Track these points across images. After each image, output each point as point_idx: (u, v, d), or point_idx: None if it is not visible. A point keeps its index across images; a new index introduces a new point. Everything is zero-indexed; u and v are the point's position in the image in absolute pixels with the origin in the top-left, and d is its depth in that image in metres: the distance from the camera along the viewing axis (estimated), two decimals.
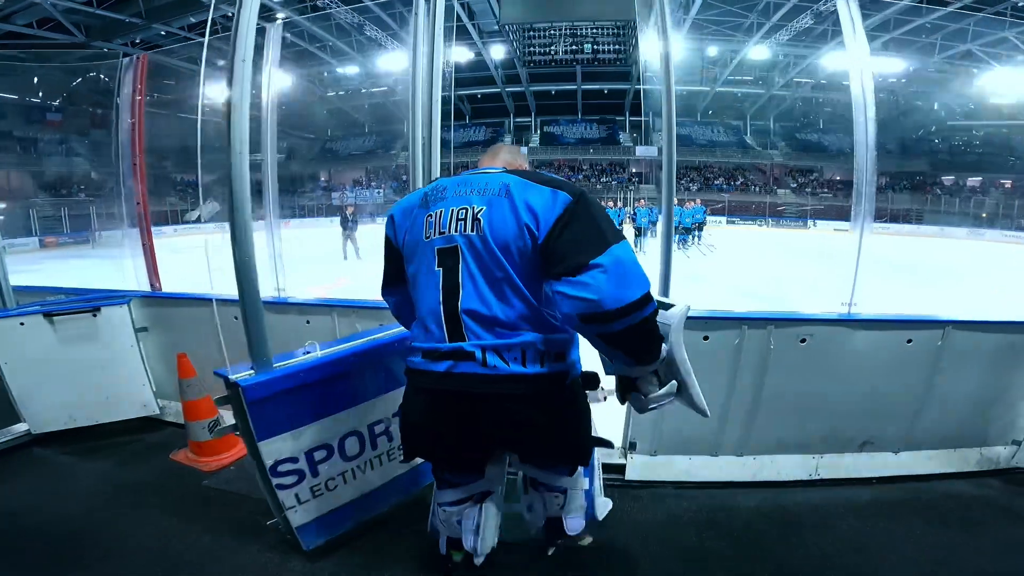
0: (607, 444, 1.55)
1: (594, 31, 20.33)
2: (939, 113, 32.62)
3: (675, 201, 9.31)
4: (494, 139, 35.92)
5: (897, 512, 2.21)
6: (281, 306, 2.99)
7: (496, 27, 23.18)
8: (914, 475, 2.45)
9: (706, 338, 2.47)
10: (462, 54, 26.64)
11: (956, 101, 30.73)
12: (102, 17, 22.29)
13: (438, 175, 2.25)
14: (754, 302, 5.56)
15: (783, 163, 34.13)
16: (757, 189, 32.25)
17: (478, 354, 1.25)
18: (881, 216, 28.97)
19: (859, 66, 2.64)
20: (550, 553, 1.78)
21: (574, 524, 1.60)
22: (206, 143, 1.95)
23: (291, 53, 28.23)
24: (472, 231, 1.25)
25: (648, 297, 1.20)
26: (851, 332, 2.47)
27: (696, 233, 12.08)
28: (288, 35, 25.42)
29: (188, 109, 35.05)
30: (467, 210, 1.27)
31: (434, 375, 1.31)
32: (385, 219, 1.51)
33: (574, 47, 19.80)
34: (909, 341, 2.43)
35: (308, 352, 2.01)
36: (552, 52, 20.00)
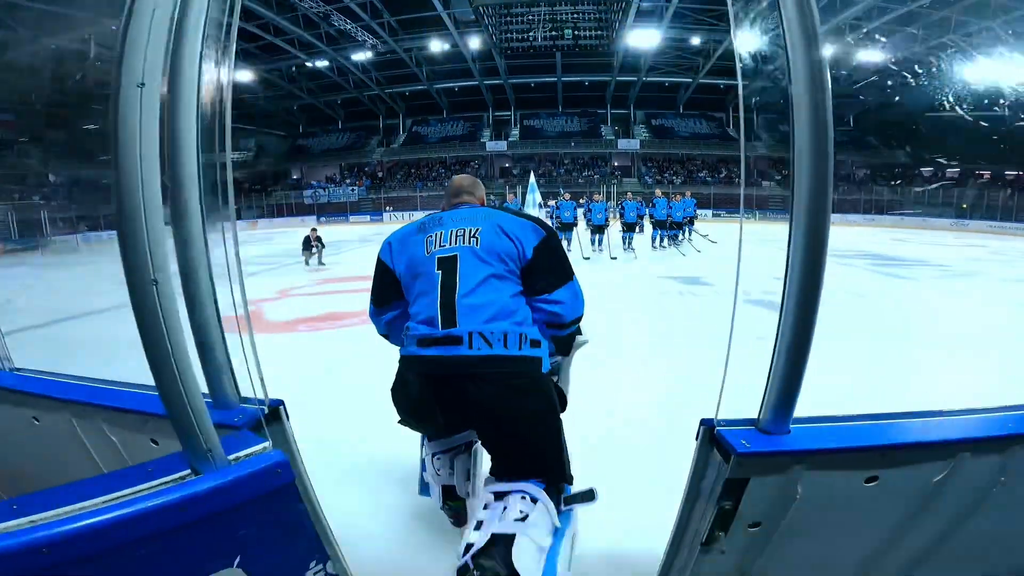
0: (589, 496, 1.43)
1: (575, 16, 19.39)
2: (918, 104, 32.49)
3: (661, 193, 8.30)
4: (473, 134, 34.94)
5: None
6: None
7: (472, 15, 22.18)
8: None
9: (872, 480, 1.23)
10: (437, 45, 25.60)
11: (936, 91, 30.62)
12: (45, 12, 20.74)
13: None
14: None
15: (767, 155, 33.74)
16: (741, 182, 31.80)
17: (466, 338, 1.39)
18: (865, 209, 28.89)
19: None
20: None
21: (527, 562, 1.26)
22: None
23: (256, 48, 26.91)
24: (469, 244, 1.47)
25: (580, 318, 1.61)
26: None
27: (687, 228, 11.33)
28: (253, 28, 24.12)
29: None
30: (464, 230, 1.50)
31: (425, 359, 1.42)
32: (380, 247, 1.63)
33: (553, 33, 18.82)
34: None
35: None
36: (530, 38, 19.02)
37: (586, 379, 2.71)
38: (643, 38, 25.69)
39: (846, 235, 18.32)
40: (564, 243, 8.82)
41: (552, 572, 1.31)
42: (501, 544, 1.27)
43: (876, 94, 33.16)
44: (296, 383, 3.35)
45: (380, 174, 35.27)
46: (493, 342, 1.37)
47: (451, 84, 32.69)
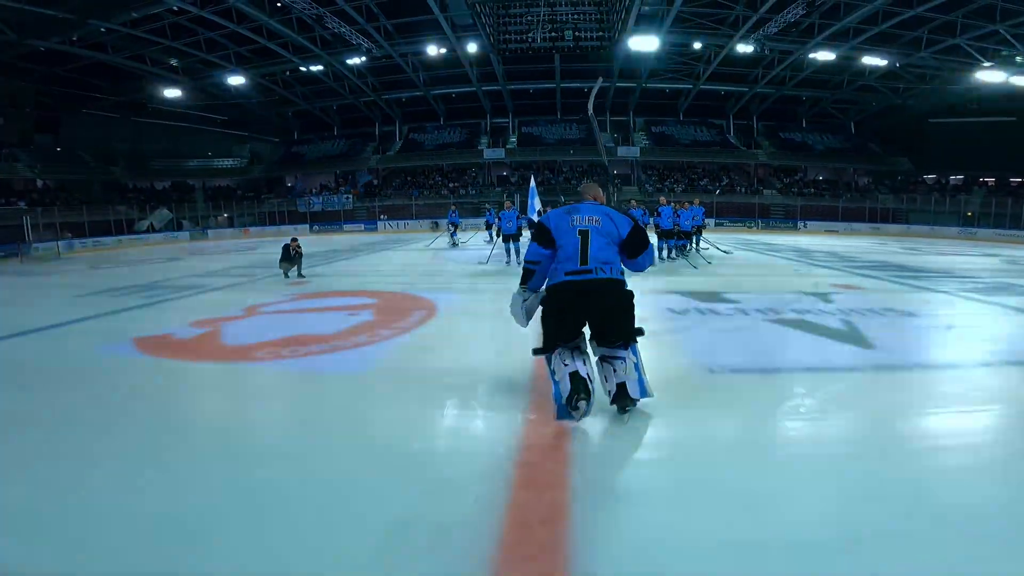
0: (640, 332, 2.74)
1: (575, 17, 18.83)
2: (922, 110, 32.06)
3: (666, 201, 7.57)
4: (471, 141, 34.35)
5: None
6: None
7: (470, 20, 21.64)
8: None
9: None
10: (433, 50, 25.05)
11: (940, 97, 30.18)
12: (33, 13, 20.13)
13: None
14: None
15: (767, 163, 33.21)
16: (743, 190, 31.22)
17: (595, 270, 2.64)
18: (871, 217, 28.29)
19: None
20: (625, 419, 2.63)
21: (633, 389, 2.61)
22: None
23: (249, 51, 26.34)
24: (595, 224, 2.70)
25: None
26: None
27: (696, 238, 10.63)
28: (246, 31, 23.55)
29: (139, 111, 32.95)
30: (591, 217, 2.72)
31: (571, 281, 2.64)
32: (539, 219, 3.11)
33: (553, 34, 18.22)
34: None
35: None
36: (529, 39, 18.40)
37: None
38: (643, 43, 25.17)
39: (857, 244, 17.67)
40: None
41: (644, 389, 2.66)
42: (626, 389, 2.57)
43: (878, 99, 32.83)
44: (225, 431, 2.65)
45: (376, 182, 34.62)
46: (608, 272, 2.65)
47: (448, 90, 32.16)
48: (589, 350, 2.73)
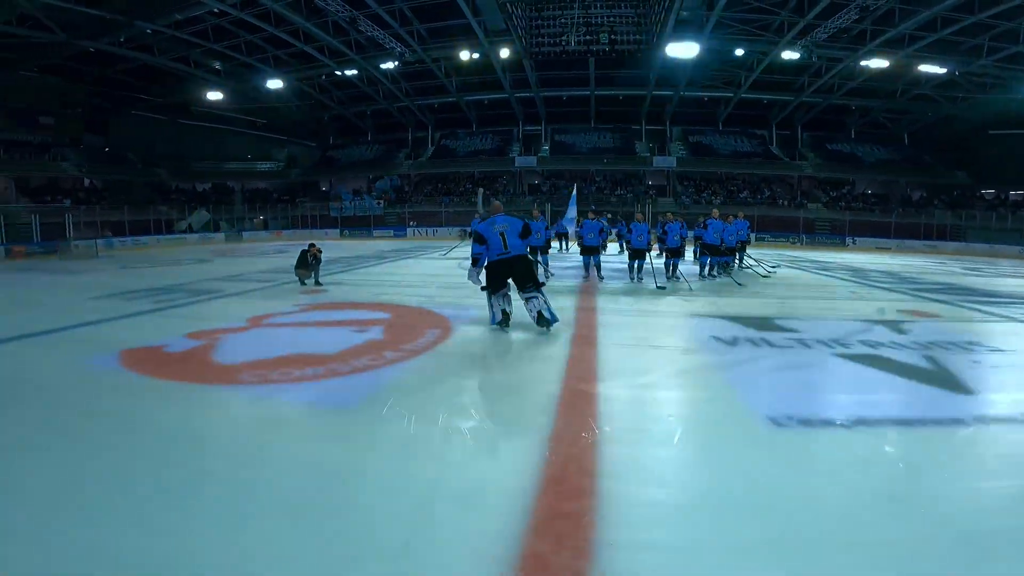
0: (542, 283, 5.23)
1: (611, 19, 18.19)
2: (980, 120, 30.12)
3: (716, 213, 6.73)
4: (502, 148, 34.00)
5: None
6: None
7: (503, 25, 21.29)
8: None
9: None
10: (466, 55, 24.80)
11: (1001, 107, 28.25)
12: (82, 14, 20.77)
13: None
14: None
15: (813, 175, 31.70)
16: (785, 203, 29.82)
17: (511, 251, 4.95)
18: (926, 234, 26.53)
19: None
20: (547, 330, 4.86)
21: (547, 315, 4.87)
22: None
23: (287, 55, 26.68)
24: (506, 228, 5.00)
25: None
26: None
27: (740, 254, 9.82)
28: (283, 34, 23.80)
29: (183, 113, 33.85)
30: (504, 224, 5.03)
31: (502, 259, 4.95)
32: (475, 229, 5.23)
33: (588, 37, 17.59)
34: None
35: None
36: (563, 43, 17.82)
37: None
38: (682, 49, 24.34)
39: (913, 263, 16.40)
40: (586, 271, 7.85)
41: (552, 315, 4.91)
42: (542, 315, 4.87)
43: (933, 109, 30.98)
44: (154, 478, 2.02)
45: (407, 188, 34.60)
46: (517, 251, 4.97)
47: (480, 96, 31.92)
48: (511, 294, 5.05)
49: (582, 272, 9.43)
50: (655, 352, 4.46)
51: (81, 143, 31.69)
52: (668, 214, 9.05)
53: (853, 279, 10.52)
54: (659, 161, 31.96)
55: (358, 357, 4.03)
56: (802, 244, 26.22)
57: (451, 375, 3.71)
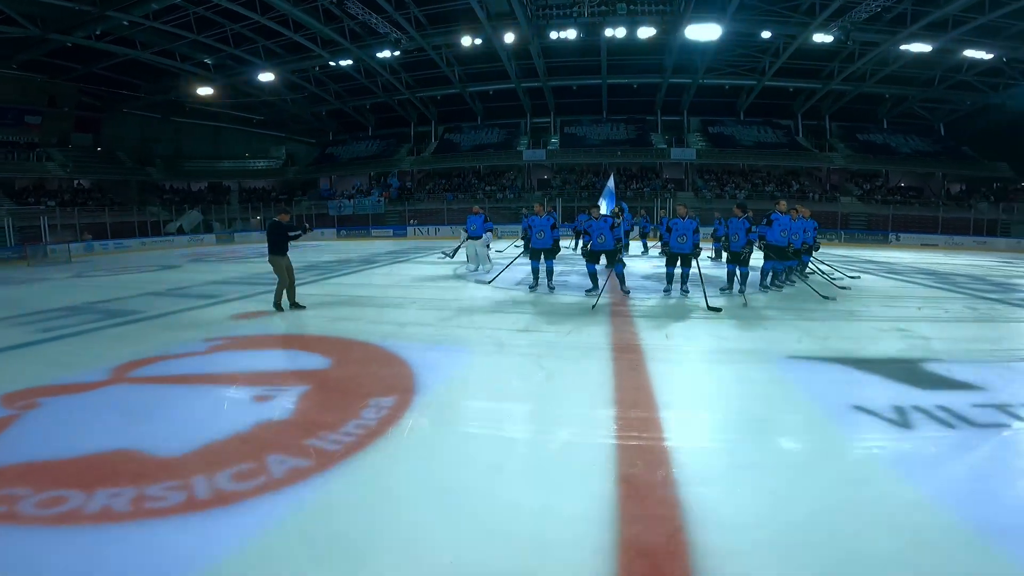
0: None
1: None
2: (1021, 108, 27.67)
3: (783, 206, 4.36)
4: (509, 141, 32.12)
5: None
6: None
7: (506, 5, 19.41)
8: None
9: None
10: (468, 41, 22.91)
11: None
12: (52, 6, 19.21)
13: None
14: None
15: (844, 167, 29.42)
16: (816, 196, 27.59)
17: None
18: (963, 228, 24.27)
19: None
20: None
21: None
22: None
23: (277, 45, 25.00)
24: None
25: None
26: None
27: (804, 259, 7.86)
28: (272, 23, 22.11)
29: (177, 111, 32.36)
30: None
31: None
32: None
33: (603, 7, 15.60)
34: None
35: None
36: (574, 14, 15.86)
37: None
38: (702, 31, 22.29)
39: (982, 263, 14.28)
40: (594, 284, 7.69)
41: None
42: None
43: (973, 98, 28.61)
44: None
45: (409, 184, 32.85)
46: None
47: (485, 87, 30.02)
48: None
49: (590, 284, 7.54)
50: (773, 458, 2.54)
51: (70, 142, 30.30)
52: (680, 207, 7.07)
53: (944, 286, 8.57)
54: (677, 153, 29.86)
55: (213, 474, 2.22)
56: (840, 240, 23.97)
57: (385, 525, 1.88)
